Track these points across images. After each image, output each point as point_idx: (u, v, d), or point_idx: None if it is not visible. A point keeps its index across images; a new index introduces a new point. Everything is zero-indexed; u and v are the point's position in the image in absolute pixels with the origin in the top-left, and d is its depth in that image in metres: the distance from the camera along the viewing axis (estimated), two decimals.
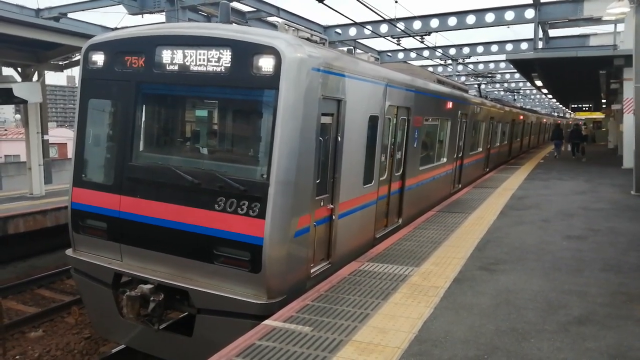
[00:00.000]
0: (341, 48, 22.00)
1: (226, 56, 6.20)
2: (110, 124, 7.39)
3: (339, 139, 7.09)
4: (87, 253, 7.40)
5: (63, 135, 45.23)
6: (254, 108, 6.71)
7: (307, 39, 7.35)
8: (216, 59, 6.26)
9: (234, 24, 8.28)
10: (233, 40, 6.23)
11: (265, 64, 6.01)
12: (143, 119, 7.18)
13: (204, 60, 6.34)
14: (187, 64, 6.45)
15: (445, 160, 13.52)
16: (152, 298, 6.53)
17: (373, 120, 8.20)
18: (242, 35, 6.27)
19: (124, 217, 6.92)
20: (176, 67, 6.54)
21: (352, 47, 24.23)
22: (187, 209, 6.44)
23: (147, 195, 6.75)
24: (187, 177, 6.44)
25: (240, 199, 6.12)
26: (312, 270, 6.79)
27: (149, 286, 6.58)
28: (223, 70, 6.24)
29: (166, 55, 6.60)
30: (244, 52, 6.12)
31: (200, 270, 6.40)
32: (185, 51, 6.45)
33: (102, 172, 7.42)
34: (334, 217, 7.17)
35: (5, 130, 53.00)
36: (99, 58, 7.15)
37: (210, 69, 6.31)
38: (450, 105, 13.22)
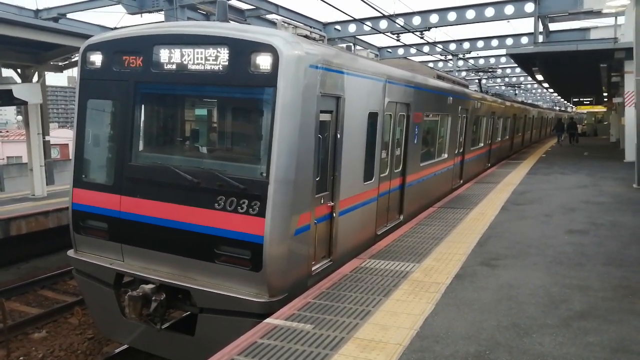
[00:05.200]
0: (341, 45, 21.95)
1: (224, 54, 6.20)
2: (109, 124, 7.39)
3: (339, 136, 7.08)
4: (88, 254, 7.42)
5: (65, 136, 45.29)
6: (253, 106, 6.71)
7: (306, 36, 7.34)
8: (214, 58, 6.25)
9: (231, 22, 8.27)
10: (230, 39, 6.22)
11: (263, 61, 6.00)
12: (142, 118, 7.18)
13: (201, 59, 6.33)
14: (185, 63, 6.45)
15: (446, 156, 13.49)
16: (153, 298, 6.54)
17: (372, 117, 8.18)
18: (240, 33, 6.26)
19: (125, 217, 6.93)
20: (174, 66, 6.54)
21: (351, 44, 24.17)
22: (187, 209, 6.45)
23: (147, 195, 6.76)
24: (186, 176, 6.45)
25: (240, 197, 6.12)
26: (313, 268, 6.79)
27: (151, 286, 6.60)
28: (221, 68, 6.24)
29: (164, 54, 6.60)
30: (242, 50, 6.11)
31: (201, 270, 6.41)
32: (183, 50, 6.45)
33: (102, 172, 7.42)
34: (334, 214, 7.17)
35: (7, 131, 53.10)
36: (97, 58, 7.15)
37: (208, 67, 6.31)
38: (450, 100, 13.18)
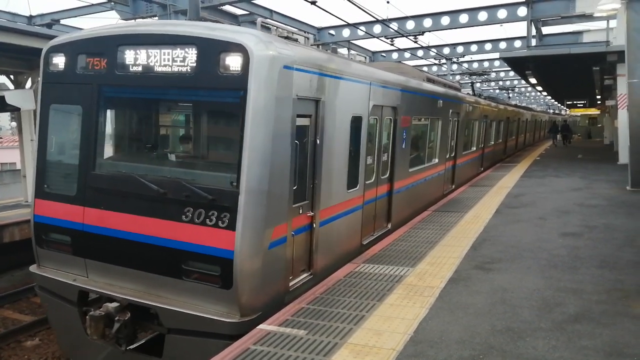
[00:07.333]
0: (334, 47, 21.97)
1: (191, 55, 5.79)
2: (72, 130, 6.92)
3: (318, 141, 6.74)
4: (51, 269, 6.97)
5: None
6: (222, 110, 6.37)
7: (287, 37, 7.02)
8: (181, 59, 5.86)
9: (208, 21, 8.09)
10: (198, 38, 5.82)
11: (233, 62, 5.61)
12: (106, 124, 6.76)
13: (168, 60, 5.94)
14: (151, 64, 6.04)
15: (436, 160, 13.25)
16: (117, 317, 6.08)
17: (356, 121, 7.86)
18: (208, 32, 5.86)
19: (88, 230, 6.52)
20: (140, 68, 6.13)
21: (336, 47, 24.23)
22: (153, 221, 6.05)
23: (111, 206, 6.35)
24: (152, 186, 6.04)
25: (208, 209, 5.72)
26: (290, 284, 6.43)
27: (115, 304, 6.13)
28: (189, 70, 5.83)
29: (129, 55, 6.17)
30: (210, 50, 5.73)
31: (168, 287, 6.01)
32: (149, 51, 6.04)
33: (65, 182, 6.92)
34: (314, 225, 6.82)
35: (1, 138, 52.87)
36: (59, 60, 6.75)
37: (175, 69, 5.91)
38: (440, 104, 12.97)
